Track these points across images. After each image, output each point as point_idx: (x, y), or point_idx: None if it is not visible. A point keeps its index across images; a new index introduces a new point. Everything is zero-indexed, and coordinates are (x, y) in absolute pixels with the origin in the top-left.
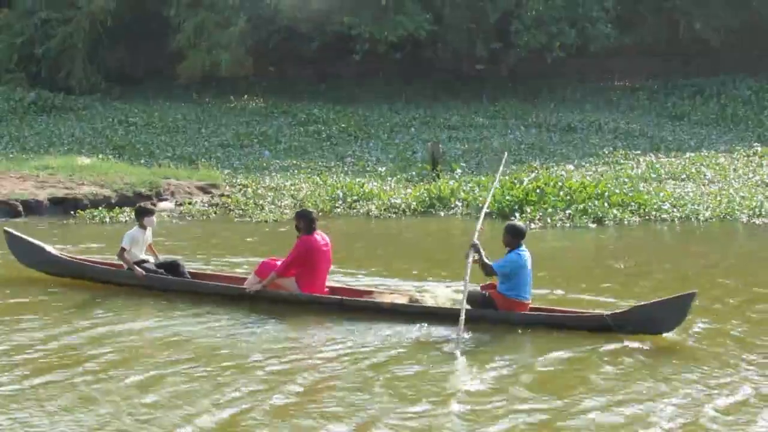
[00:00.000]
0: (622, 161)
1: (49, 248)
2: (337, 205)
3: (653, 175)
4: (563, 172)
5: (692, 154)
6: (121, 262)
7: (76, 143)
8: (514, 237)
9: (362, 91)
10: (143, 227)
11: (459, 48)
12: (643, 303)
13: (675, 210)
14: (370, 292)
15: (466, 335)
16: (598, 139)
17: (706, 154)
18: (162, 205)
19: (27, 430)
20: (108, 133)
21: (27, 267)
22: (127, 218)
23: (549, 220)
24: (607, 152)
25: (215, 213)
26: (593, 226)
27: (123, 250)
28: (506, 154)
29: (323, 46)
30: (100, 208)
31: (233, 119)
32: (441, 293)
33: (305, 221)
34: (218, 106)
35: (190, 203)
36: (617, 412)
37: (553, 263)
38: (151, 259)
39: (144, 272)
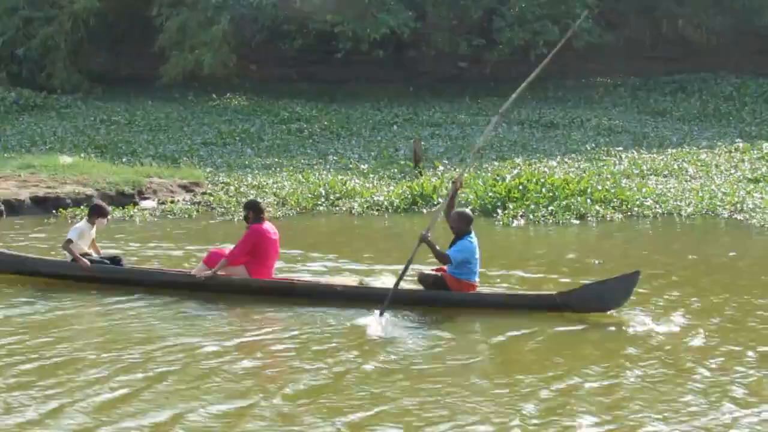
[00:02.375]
0: (604, 158)
1: None
2: (319, 202)
3: (635, 172)
4: (546, 169)
5: (674, 151)
6: (64, 254)
7: (58, 142)
8: (468, 224)
9: (344, 89)
10: (92, 224)
11: (442, 46)
12: (590, 282)
13: (657, 206)
14: (316, 281)
15: (386, 315)
16: (580, 136)
17: (688, 150)
18: (144, 203)
19: None
20: (90, 132)
21: None
22: (110, 217)
23: (531, 217)
24: (589, 149)
25: (198, 211)
26: (576, 222)
27: (69, 241)
28: (498, 117)
29: (306, 45)
30: (82, 207)
31: (215, 118)
32: (388, 280)
33: (254, 211)
34: (200, 105)
35: (172, 202)
36: (561, 388)
37: (525, 257)
38: (94, 255)
39: (88, 262)
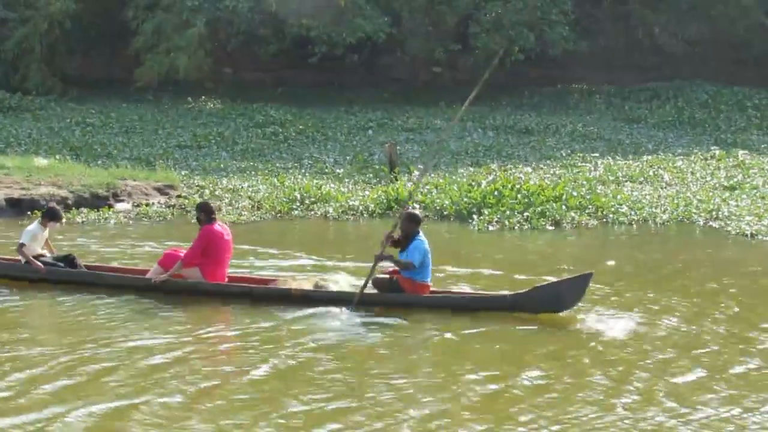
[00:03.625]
0: (579, 164)
1: None
2: (294, 206)
3: (611, 178)
4: (521, 175)
5: (650, 157)
6: (19, 257)
7: (33, 144)
8: (417, 224)
9: (319, 94)
10: (44, 226)
11: (417, 51)
12: (542, 284)
13: (633, 213)
14: (272, 280)
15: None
16: (555, 142)
17: (664, 157)
18: (119, 206)
19: None
20: (65, 134)
21: None
22: (84, 219)
23: (507, 223)
24: (564, 155)
25: (172, 214)
26: (551, 228)
27: (22, 245)
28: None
29: (281, 49)
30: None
31: (190, 121)
32: (343, 280)
33: (204, 213)
34: (175, 108)
35: (147, 204)
36: (516, 386)
37: (493, 260)
38: (48, 254)
39: (42, 265)
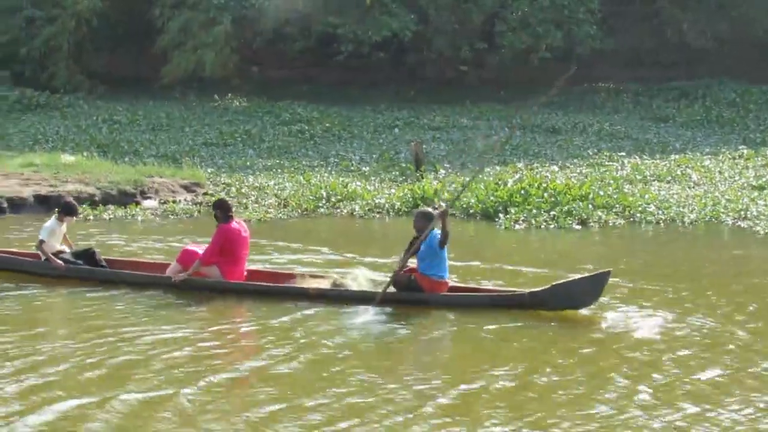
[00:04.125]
0: (606, 163)
1: None
2: (320, 204)
3: (638, 177)
4: (548, 174)
5: (677, 156)
6: (38, 253)
7: (61, 141)
8: (429, 221)
9: (346, 92)
10: (61, 221)
11: (443, 49)
12: (561, 281)
13: (660, 212)
14: (291, 276)
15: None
16: (582, 141)
17: (692, 156)
18: (146, 203)
19: None
20: (92, 131)
21: None
22: (111, 215)
23: (533, 222)
24: (591, 154)
25: (199, 212)
26: (578, 227)
27: (42, 241)
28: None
29: (307, 48)
30: (84, 205)
31: (217, 118)
32: (362, 276)
33: (222, 210)
34: (202, 105)
35: (173, 202)
36: (533, 383)
37: (520, 258)
38: (67, 250)
39: (63, 263)
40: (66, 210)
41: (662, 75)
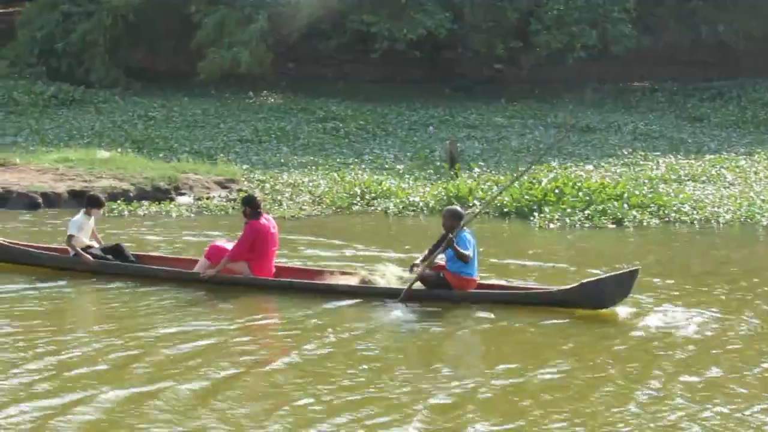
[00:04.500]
0: (641, 162)
1: None
2: (354, 202)
3: (673, 177)
4: (582, 173)
5: (712, 156)
6: (68, 248)
7: (96, 137)
8: (460, 220)
9: (380, 89)
10: (88, 215)
11: (478, 47)
12: (589, 279)
13: (695, 212)
14: (320, 273)
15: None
16: (617, 140)
17: (726, 156)
18: (180, 199)
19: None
20: (127, 127)
21: None
22: (146, 211)
23: (567, 221)
24: (626, 153)
25: (233, 208)
26: (612, 227)
27: (71, 236)
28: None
29: (342, 44)
30: (118, 201)
31: (252, 115)
32: (390, 272)
33: (251, 207)
34: (237, 102)
35: (208, 198)
36: (567, 380)
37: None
38: (96, 245)
39: (92, 258)
40: (91, 202)
41: (697, 74)
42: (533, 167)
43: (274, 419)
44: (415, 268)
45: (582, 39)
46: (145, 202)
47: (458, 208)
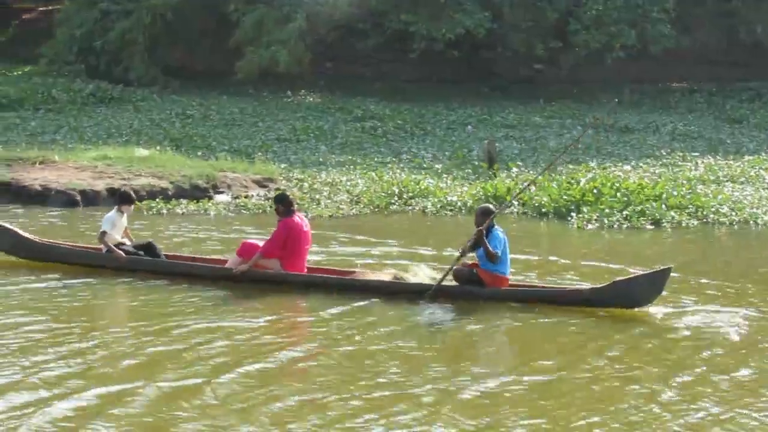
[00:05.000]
0: (680, 163)
1: (21, 232)
2: (392, 201)
3: (711, 178)
4: (620, 173)
5: (751, 158)
6: (101, 245)
7: (134, 135)
8: (489, 216)
9: (418, 89)
10: (121, 212)
11: (517, 47)
12: (620, 278)
13: (733, 213)
14: (352, 272)
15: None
16: (655, 141)
17: (765, 157)
18: (218, 198)
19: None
20: (165, 125)
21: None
22: (184, 210)
23: (606, 221)
24: (664, 154)
25: (271, 207)
26: (651, 227)
27: (104, 233)
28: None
29: (380, 44)
30: (156, 199)
31: (290, 114)
32: (422, 272)
33: (284, 205)
34: (275, 101)
35: (246, 197)
36: (599, 379)
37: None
38: (127, 242)
39: (124, 254)
40: (123, 198)
41: (736, 75)
42: (568, 165)
43: (303, 417)
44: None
45: (621, 39)
46: (184, 201)
47: (490, 205)
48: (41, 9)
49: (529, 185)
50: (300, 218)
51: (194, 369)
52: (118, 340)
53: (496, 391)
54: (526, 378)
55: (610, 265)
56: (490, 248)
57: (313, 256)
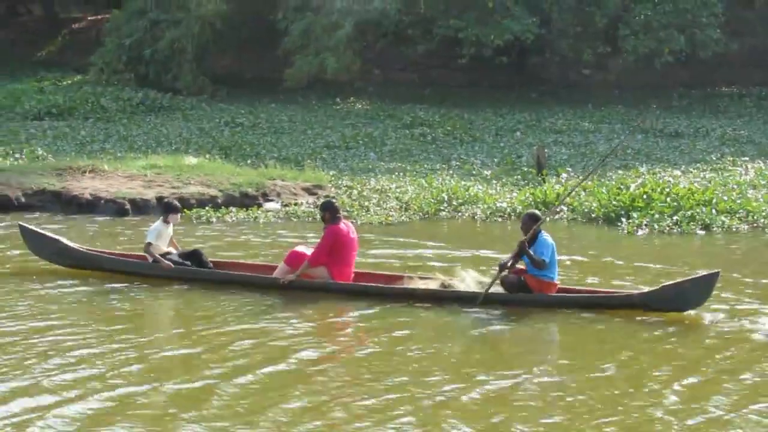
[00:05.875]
0: (729, 168)
1: (64, 240)
2: (442, 207)
3: (762, 182)
4: (670, 179)
5: None
6: (146, 255)
7: (183, 143)
8: (535, 222)
9: (467, 95)
10: (167, 222)
11: (566, 52)
12: (669, 282)
13: None
14: (399, 278)
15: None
16: (705, 145)
17: None
18: (268, 206)
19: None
20: (215, 133)
21: (42, 259)
22: (234, 218)
23: (656, 227)
24: (714, 158)
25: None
26: (701, 232)
27: (149, 244)
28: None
29: (429, 50)
30: (206, 207)
31: (339, 121)
32: (470, 278)
33: (330, 212)
34: (324, 108)
35: (296, 204)
36: (647, 385)
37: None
38: (174, 251)
39: (170, 263)
40: (169, 209)
41: None
42: (618, 170)
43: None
44: (502, 272)
45: (670, 44)
46: (233, 209)
47: (537, 211)
48: (90, 18)
49: (572, 192)
50: (346, 225)
51: (240, 374)
52: (166, 346)
53: (554, 394)
54: (576, 382)
55: (667, 267)
56: (536, 257)
57: (363, 259)
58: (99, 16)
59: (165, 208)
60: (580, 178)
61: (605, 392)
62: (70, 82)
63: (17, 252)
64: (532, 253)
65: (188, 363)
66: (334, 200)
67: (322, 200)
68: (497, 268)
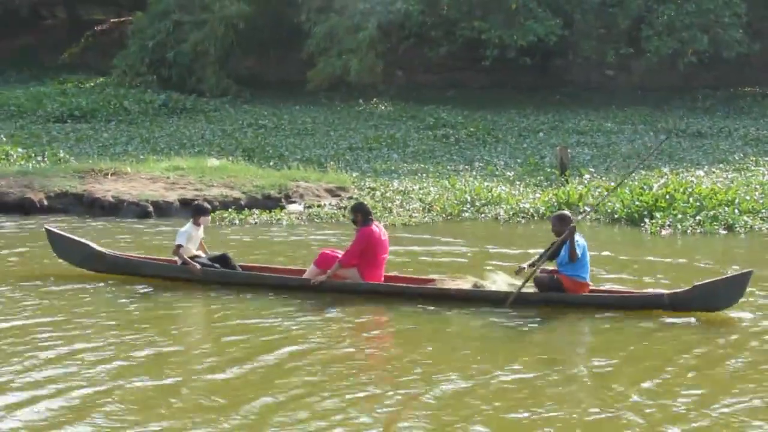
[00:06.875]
0: (752, 168)
1: (93, 245)
2: (465, 209)
3: None
4: (693, 179)
5: None
6: (175, 258)
7: (206, 145)
8: (568, 225)
9: (490, 96)
10: (197, 225)
11: (589, 54)
12: (700, 282)
13: None
14: (430, 280)
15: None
16: (727, 146)
17: None
18: (291, 207)
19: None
20: (238, 135)
21: (70, 264)
22: (257, 220)
23: (679, 227)
24: (737, 159)
25: (344, 216)
26: (724, 233)
27: (179, 246)
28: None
29: (452, 52)
30: (229, 210)
31: (362, 123)
32: (501, 279)
33: (362, 214)
34: (347, 110)
35: (318, 206)
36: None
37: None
38: (203, 255)
39: (199, 266)
40: (198, 211)
41: None
42: (641, 170)
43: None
44: (522, 272)
45: (693, 44)
46: (256, 211)
47: (566, 212)
48: (113, 21)
49: (609, 195)
50: (378, 227)
51: (270, 378)
52: (198, 350)
53: (588, 398)
54: (634, 384)
55: (685, 272)
56: (575, 249)
57: (392, 257)
58: (122, 19)
59: (195, 210)
60: (606, 180)
61: (648, 394)
62: (92, 84)
63: (39, 253)
64: (571, 246)
65: (234, 368)
66: (365, 202)
67: (346, 202)
68: (524, 266)
